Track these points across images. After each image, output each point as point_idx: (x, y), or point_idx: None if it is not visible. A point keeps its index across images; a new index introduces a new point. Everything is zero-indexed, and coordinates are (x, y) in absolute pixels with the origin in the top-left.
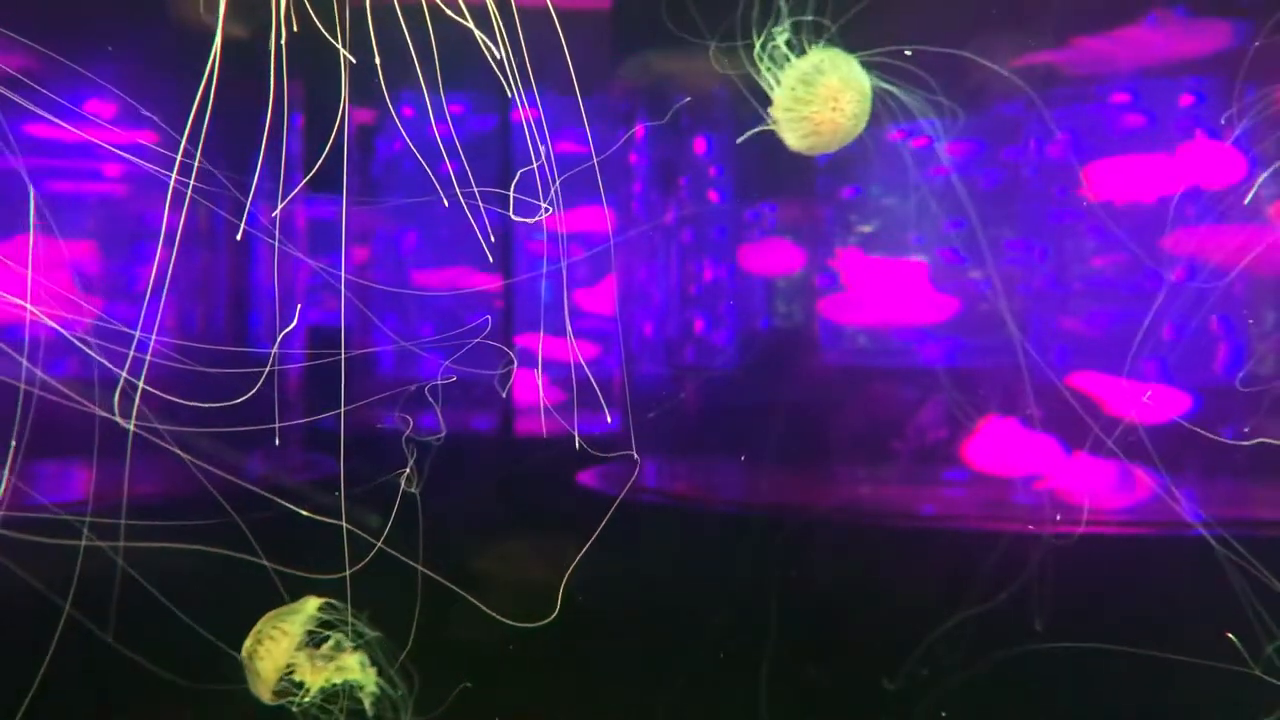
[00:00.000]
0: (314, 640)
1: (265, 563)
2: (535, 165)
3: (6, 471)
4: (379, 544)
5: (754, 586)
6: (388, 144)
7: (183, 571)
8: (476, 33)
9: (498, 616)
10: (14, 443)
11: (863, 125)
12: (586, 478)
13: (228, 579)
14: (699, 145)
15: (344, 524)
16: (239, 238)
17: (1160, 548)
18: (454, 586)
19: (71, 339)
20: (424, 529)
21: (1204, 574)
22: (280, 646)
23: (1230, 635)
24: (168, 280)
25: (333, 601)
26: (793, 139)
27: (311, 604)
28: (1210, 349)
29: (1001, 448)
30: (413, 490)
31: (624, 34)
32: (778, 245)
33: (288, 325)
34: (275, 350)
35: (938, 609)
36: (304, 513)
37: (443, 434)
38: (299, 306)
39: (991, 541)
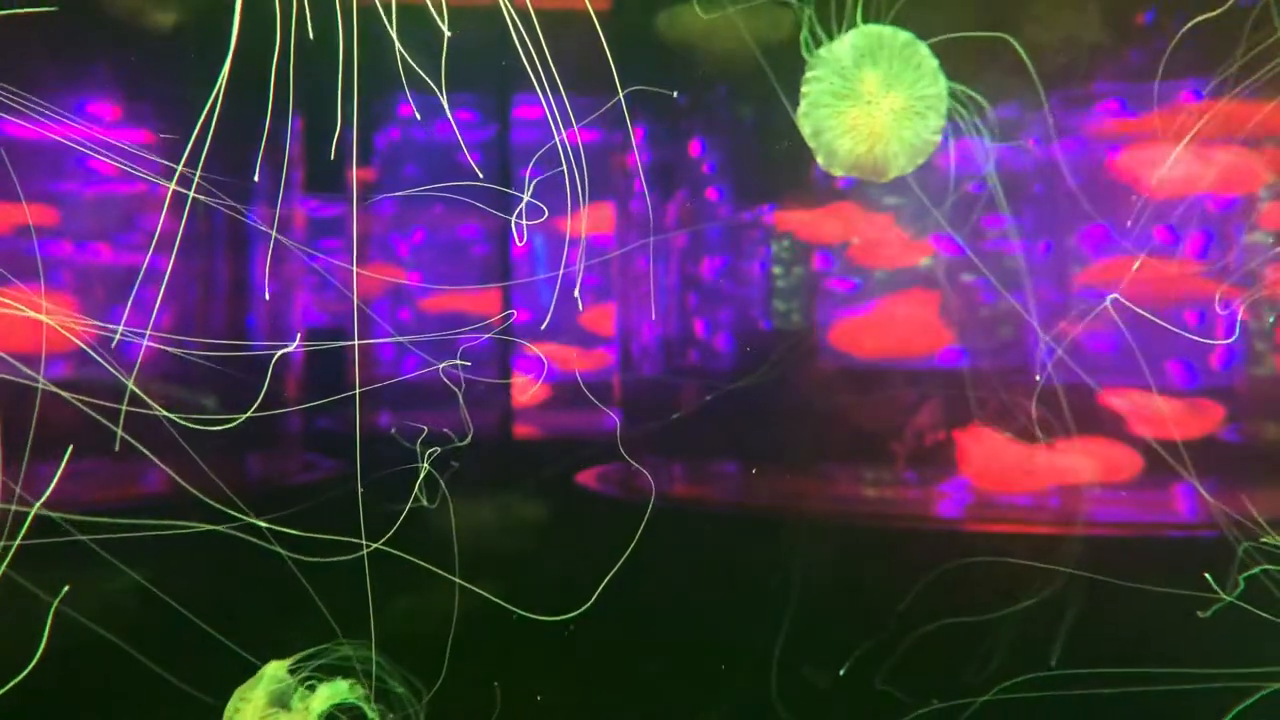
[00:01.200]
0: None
1: (280, 550)
2: (564, 167)
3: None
4: (379, 546)
5: (759, 588)
6: (388, 146)
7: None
8: (513, 23)
9: (524, 613)
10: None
11: (918, 129)
12: (585, 478)
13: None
14: (695, 145)
15: (364, 541)
16: (256, 215)
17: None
18: (484, 591)
19: (80, 344)
20: (421, 528)
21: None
22: (245, 715)
23: (1207, 575)
24: (165, 282)
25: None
26: (828, 144)
27: (272, 667)
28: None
29: (999, 459)
30: (429, 504)
31: (623, 33)
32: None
33: (289, 345)
34: (274, 360)
35: (946, 611)
36: (262, 523)
37: (470, 436)
38: (299, 335)
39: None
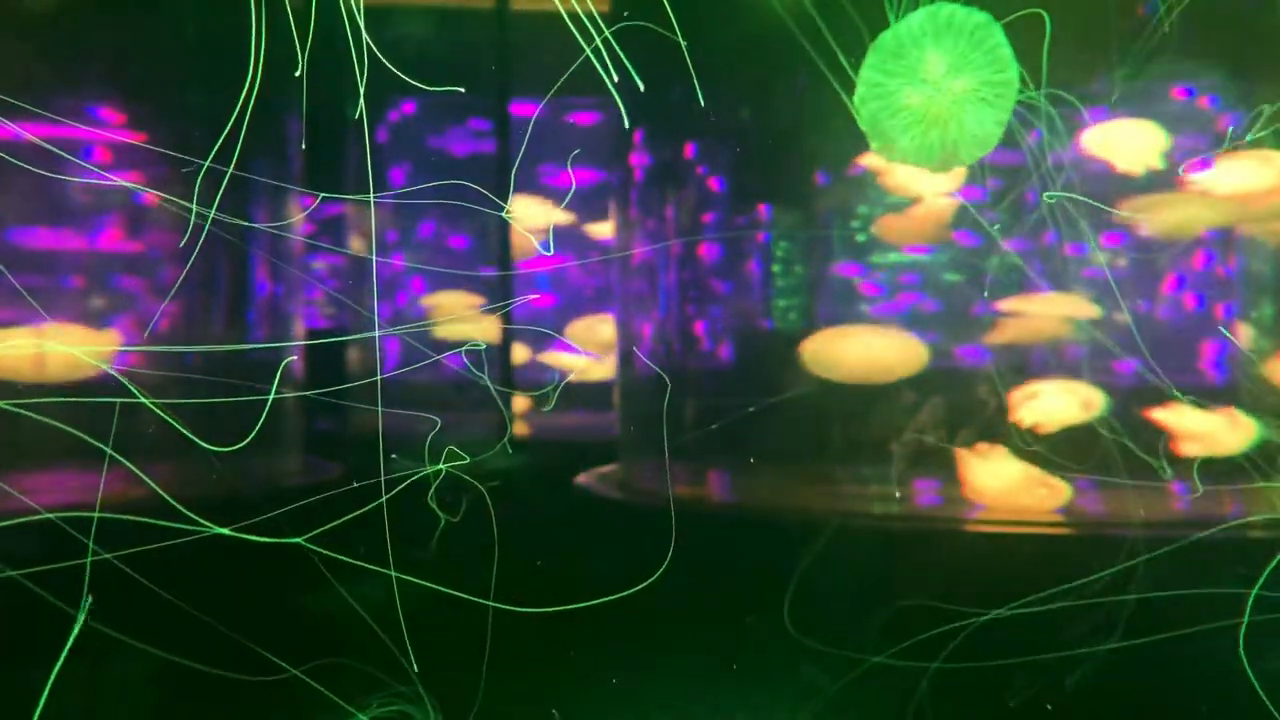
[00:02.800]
0: None
1: (303, 542)
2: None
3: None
4: (393, 571)
5: (762, 588)
6: (388, 147)
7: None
8: (585, 39)
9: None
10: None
11: (982, 118)
12: (584, 479)
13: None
14: (692, 145)
15: (390, 568)
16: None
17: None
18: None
19: (93, 361)
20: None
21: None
22: None
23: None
24: (175, 287)
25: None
26: (887, 135)
27: None
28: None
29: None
30: (453, 518)
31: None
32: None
33: (305, 344)
34: (278, 374)
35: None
36: (228, 531)
37: (510, 436)
38: (290, 360)
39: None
